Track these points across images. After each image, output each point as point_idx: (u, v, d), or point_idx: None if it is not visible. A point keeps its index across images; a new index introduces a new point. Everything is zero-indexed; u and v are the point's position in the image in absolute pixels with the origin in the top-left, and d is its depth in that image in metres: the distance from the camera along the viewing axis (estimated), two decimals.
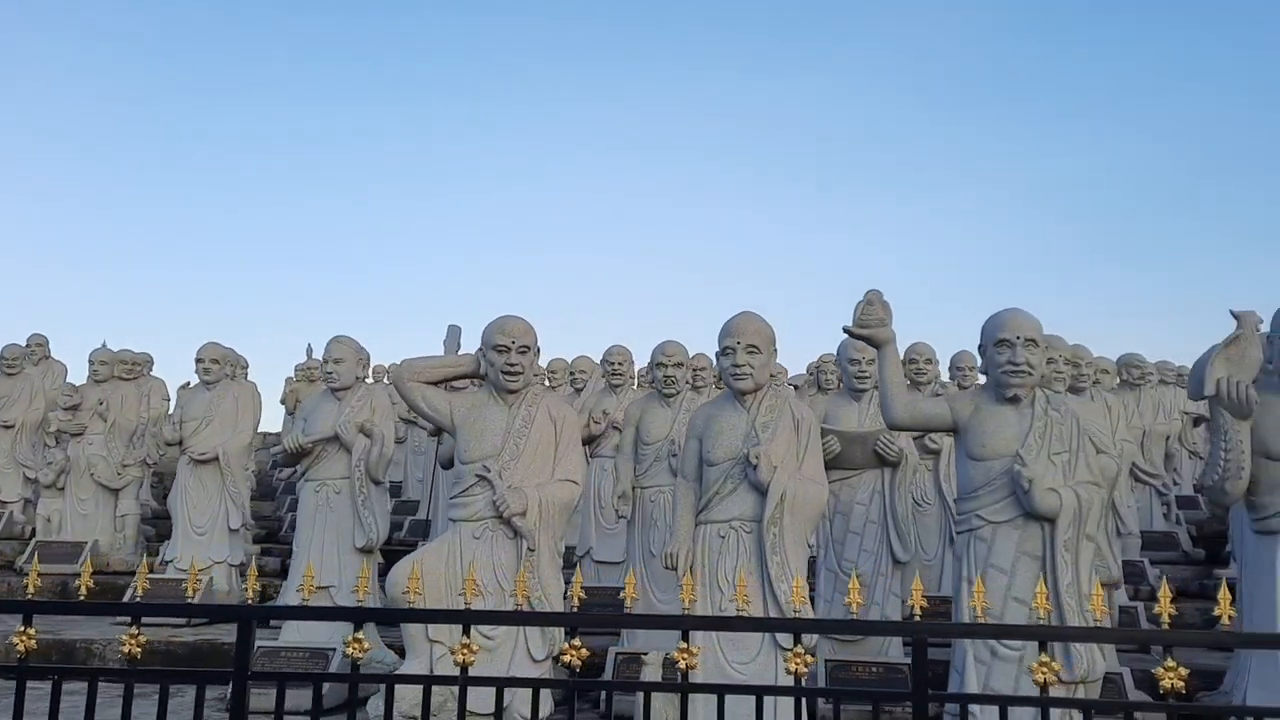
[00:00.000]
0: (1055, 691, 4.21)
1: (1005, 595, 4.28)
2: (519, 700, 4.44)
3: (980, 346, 4.60)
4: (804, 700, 2.96)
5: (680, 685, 2.95)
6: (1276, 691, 3.94)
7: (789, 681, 4.28)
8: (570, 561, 8.94)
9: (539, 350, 4.92)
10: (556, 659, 4.68)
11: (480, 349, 4.83)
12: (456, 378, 4.93)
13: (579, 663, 2.87)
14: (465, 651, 3.02)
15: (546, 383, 11.10)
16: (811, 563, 7.42)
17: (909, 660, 5.80)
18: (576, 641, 2.88)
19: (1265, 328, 4.29)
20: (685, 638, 2.91)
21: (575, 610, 3.24)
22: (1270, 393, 4.25)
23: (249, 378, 11.91)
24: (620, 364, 8.48)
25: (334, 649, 6.00)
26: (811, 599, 6.76)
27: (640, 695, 4.27)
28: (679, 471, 4.85)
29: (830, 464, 6.42)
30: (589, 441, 7.29)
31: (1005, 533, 4.35)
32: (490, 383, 4.84)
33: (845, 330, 4.71)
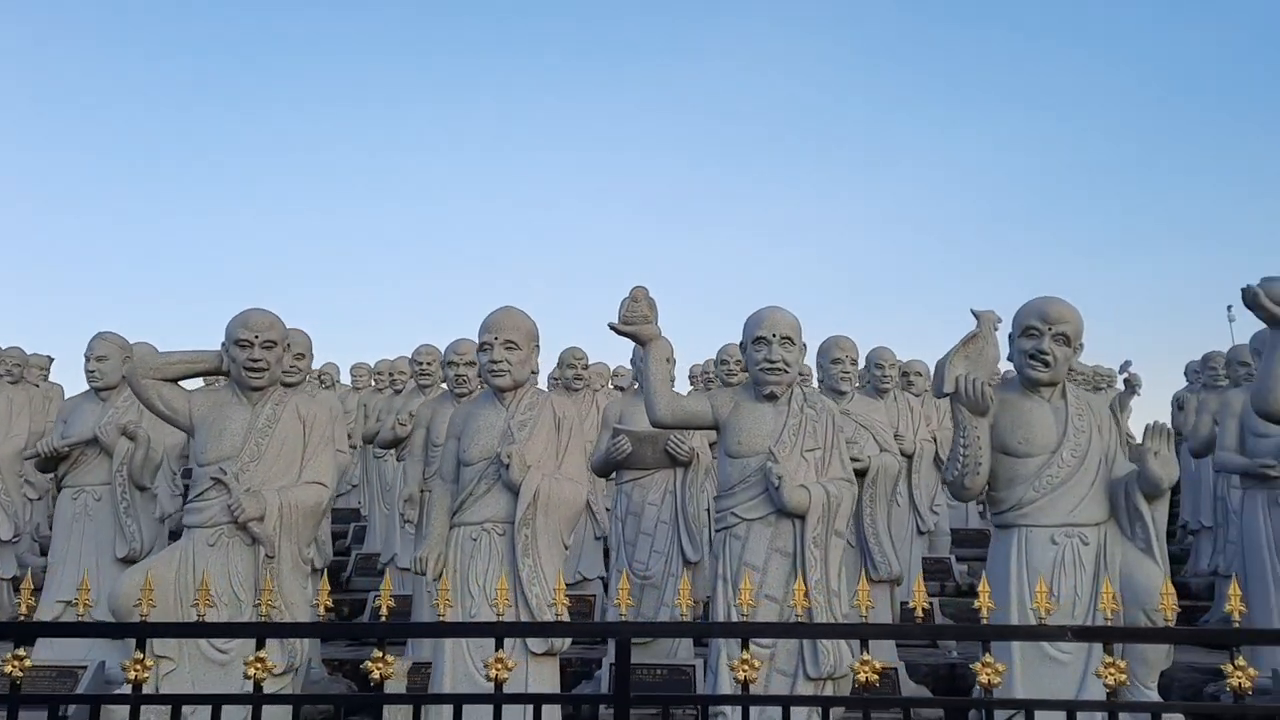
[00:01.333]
0: (803, 690, 4.21)
1: (758, 592, 4.24)
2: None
3: (741, 344, 4.57)
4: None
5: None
6: (1041, 683, 4.02)
7: (544, 687, 4.20)
8: (377, 569, 8.69)
9: (289, 346, 4.64)
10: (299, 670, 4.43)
11: (223, 343, 4.53)
12: (198, 374, 4.61)
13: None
14: (139, 669, 2.79)
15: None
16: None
17: (696, 661, 5.76)
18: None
19: (1007, 327, 4.39)
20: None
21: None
22: (1011, 391, 4.36)
23: (50, 378, 11.18)
24: (429, 364, 8.21)
25: (85, 667, 5.58)
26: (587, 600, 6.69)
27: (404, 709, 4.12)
28: (438, 472, 4.66)
29: (622, 464, 6.35)
30: (394, 444, 7.01)
31: (759, 530, 4.32)
32: (233, 380, 4.54)
33: (610, 327, 4.61)
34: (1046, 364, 4.23)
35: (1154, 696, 3.99)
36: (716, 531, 4.46)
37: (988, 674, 2.80)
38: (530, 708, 2.76)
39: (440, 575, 4.29)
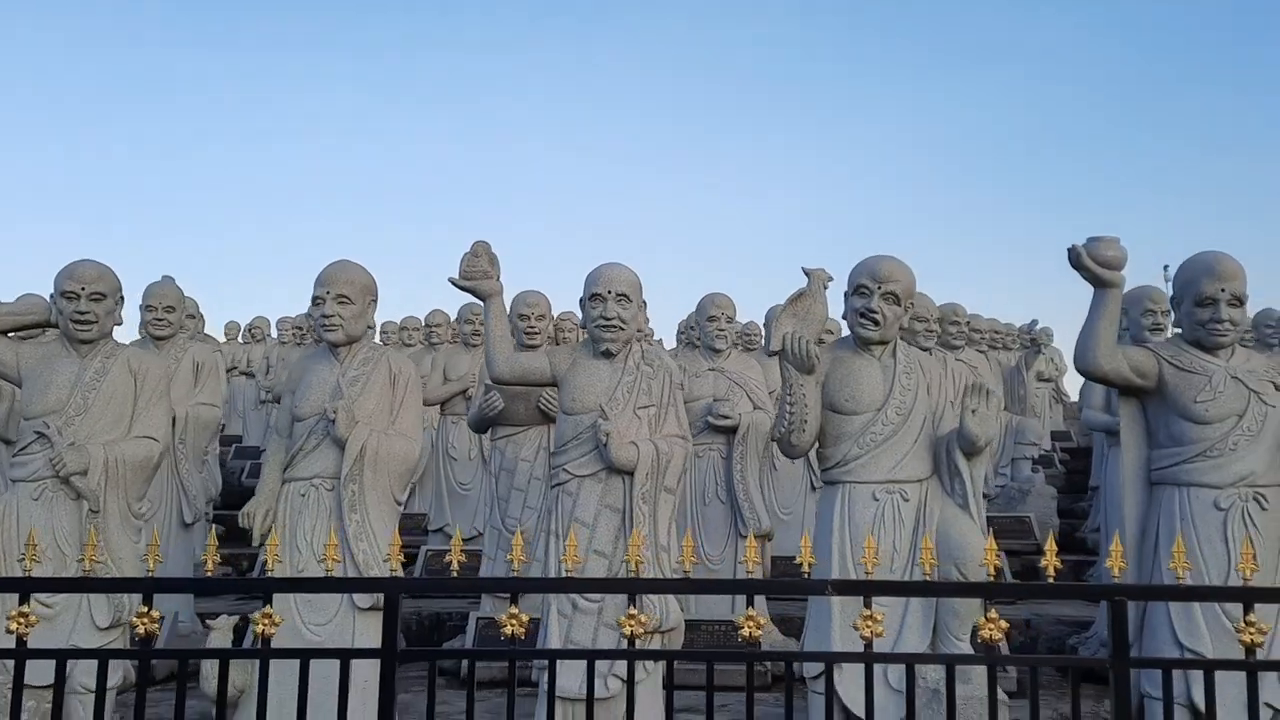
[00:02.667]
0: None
1: (587, 547, 4.27)
2: (80, 671, 4.15)
3: (580, 300, 4.55)
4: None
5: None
6: (824, 634, 4.10)
7: (367, 642, 4.21)
8: None
9: (122, 299, 4.56)
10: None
11: (52, 295, 4.44)
12: (25, 326, 4.52)
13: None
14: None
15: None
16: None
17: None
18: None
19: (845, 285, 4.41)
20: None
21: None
22: (844, 349, 4.39)
23: None
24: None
25: None
26: (478, 555, 6.71)
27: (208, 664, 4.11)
28: (275, 427, 4.62)
29: (496, 419, 6.35)
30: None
31: (589, 486, 4.34)
32: (62, 332, 4.46)
33: (450, 281, 4.57)
34: (876, 322, 4.25)
35: (964, 648, 4.07)
36: (550, 488, 4.48)
37: (749, 626, 2.84)
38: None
39: (270, 531, 4.26)
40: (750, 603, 2.93)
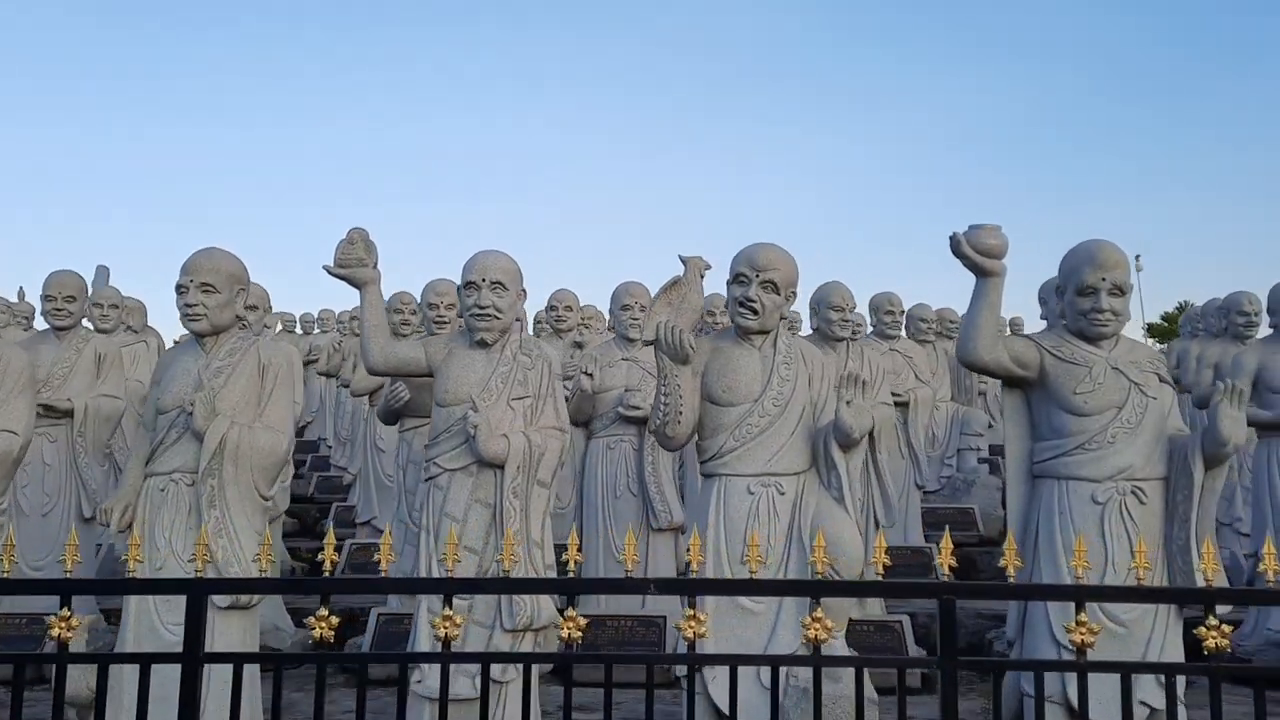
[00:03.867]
0: (501, 642, 4.14)
1: (459, 544, 4.14)
2: None
3: (458, 289, 4.43)
4: None
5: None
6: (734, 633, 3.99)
7: (225, 642, 4.09)
8: None
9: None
10: None
11: None
12: None
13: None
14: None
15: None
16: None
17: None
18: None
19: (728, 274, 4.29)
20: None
21: None
22: (725, 339, 4.28)
23: None
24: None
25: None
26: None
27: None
28: (143, 421, 4.48)
29: (403, 410, 6.22)
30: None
31: (460, 480, 4.21)
32: None
33: (325, 269, 4.44)
34: (755, 311, 4.14)
35: (836, 648, 3.97)
36: (422, 482, 4.35)
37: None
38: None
39: (129, 528, 4.13)
40: (572, 602, 2.82)
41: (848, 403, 3.97)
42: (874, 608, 6.33)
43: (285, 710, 4.67)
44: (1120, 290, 4.03)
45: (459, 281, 4.38)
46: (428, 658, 3.88)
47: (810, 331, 7.76)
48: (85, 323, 7.01)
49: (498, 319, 4.29)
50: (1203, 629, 2.64)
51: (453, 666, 3.98)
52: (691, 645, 2.76)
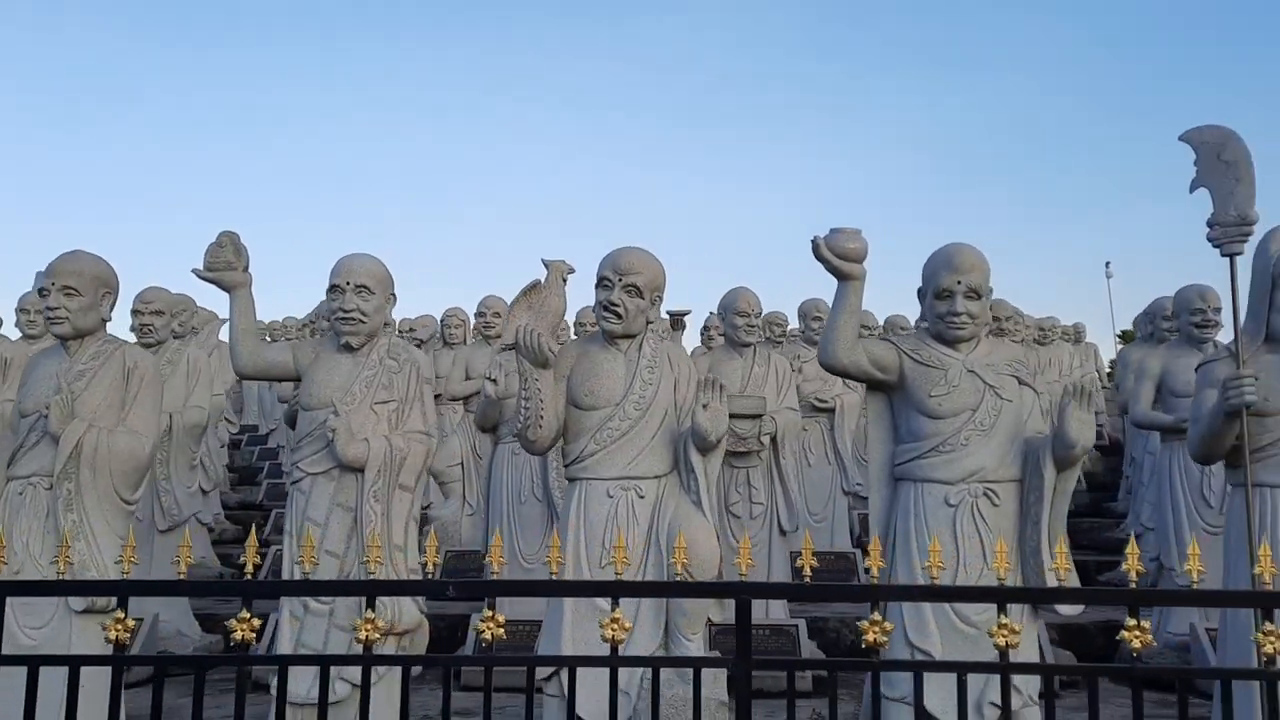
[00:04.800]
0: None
1: (319, 548, 4.14)
2: None
3: (327, 291, 4.42)
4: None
5: None
6: (555, 636, 3.99)
7: (83, 645, 4.07)
8: None
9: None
10: None
11: None
12: None
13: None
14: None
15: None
16: None
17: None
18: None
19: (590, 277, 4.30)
20: None
21: None
22: (593, 343, 4.28)
23: None
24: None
25: None
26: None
27: None
28: (10, 425, 4.46)
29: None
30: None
31: (321, 484, 4.21)
32: None
33: (194, 272, 4.43)
34: (618, 315, 4.15)
35: (693, 650, 3.98)
36: (289, 485, 4.34)
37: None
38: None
39: None
40: (369, 604, 2.81)
41: (704, 406, 3.98)
42: (778, 612, 6.35)
43: (171, 714, 4.66)
44: (976, 293, 4.05)
45: (330, 284, 4.38)
46: (305, 660, 3.83)
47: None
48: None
49: (363, 322, 4.29)
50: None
51: (310, 671, 4.01)
52: (489, 646, 2.75)
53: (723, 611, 4.84)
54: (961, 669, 2.86)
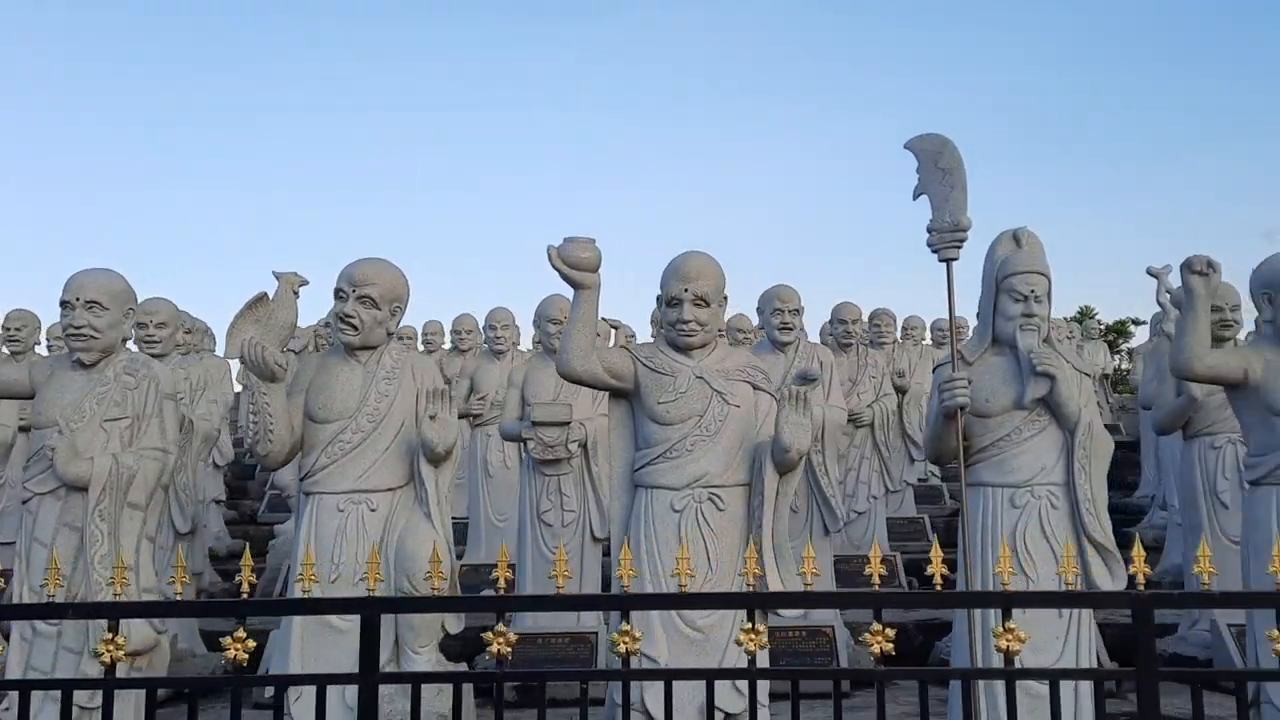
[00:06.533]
0: (90, 668, 4.05)
1: (44, 569, 4.05)
2: None
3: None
4: None
5: None
6: (321, 653, 3.96)
7: None
8: None
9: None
10: None
11: None
12: None
13: None
14: None
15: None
16: None
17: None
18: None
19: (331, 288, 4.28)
20: None
21: None
22: (334, 356, 4.26)
23: None
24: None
25: None
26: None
27: None
28: None
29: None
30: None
31: (49, 504, 4.12)
32: None
33: None
34: (355, 327, 4.14)
35: (420, 664, 3.96)
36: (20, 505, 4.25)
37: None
38: None
39: None
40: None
41: (431, 416, 3.97)
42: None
43: None
44: (704, 301, 4.07)
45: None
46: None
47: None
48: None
49: (95, 339, 4.20)
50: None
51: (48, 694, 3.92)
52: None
53: (459, 623, 4.82)
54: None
